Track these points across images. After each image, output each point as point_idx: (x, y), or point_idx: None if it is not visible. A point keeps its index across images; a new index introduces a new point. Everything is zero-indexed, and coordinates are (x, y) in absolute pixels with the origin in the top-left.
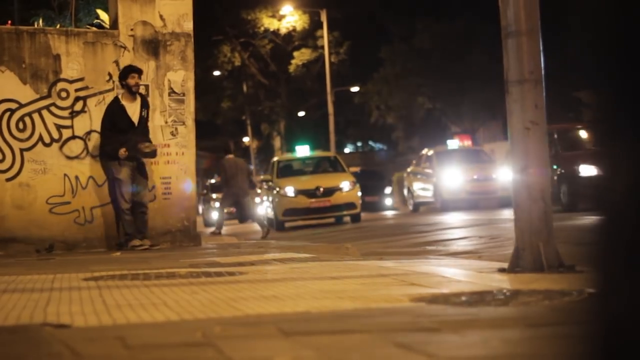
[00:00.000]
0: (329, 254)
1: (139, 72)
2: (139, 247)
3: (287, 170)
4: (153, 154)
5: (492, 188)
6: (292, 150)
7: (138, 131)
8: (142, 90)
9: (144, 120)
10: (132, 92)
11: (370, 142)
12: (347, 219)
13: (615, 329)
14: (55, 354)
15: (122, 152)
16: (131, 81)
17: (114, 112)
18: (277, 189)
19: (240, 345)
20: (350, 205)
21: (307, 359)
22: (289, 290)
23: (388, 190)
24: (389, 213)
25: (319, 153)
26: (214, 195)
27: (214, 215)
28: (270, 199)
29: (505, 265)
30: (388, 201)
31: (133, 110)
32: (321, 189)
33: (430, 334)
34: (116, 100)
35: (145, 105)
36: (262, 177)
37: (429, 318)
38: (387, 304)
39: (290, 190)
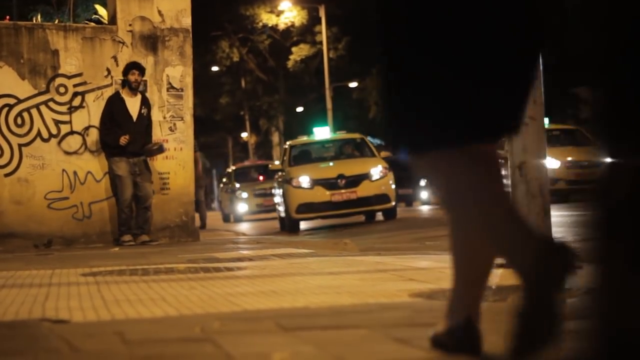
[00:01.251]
0: (327, 249)
1: (140, 69)
2: (128, 242)
3: (303, 156)
4: (160, 149)
5: (593, 176)
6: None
7: (137, 127)
8: (143, 88)
9: (143, 118)
10: (131, 88)
11: (369, 137)
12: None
13: (614, 324)
14: (53, 349)
15: (123, 139)
16: (131, 77)
17: (113, 103)
18: (290, 179)
19: (239, 341)
20: (383, 198)
21: (306, 354)
22: (288, 285)
23: (424, 181)
24: (424, 208)
25: (342, 135)
26: (237, 184)
27: (241, 208)
28: (282, 192)
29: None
30: (424, 194)
31: (132, 105)
32: (344, 178)
33: (429, 329)
34: (117, 93)
35: (145, 103)
36: (271, 166)
37: (428, 313)
38: (385, 300)
39: (304, 181)
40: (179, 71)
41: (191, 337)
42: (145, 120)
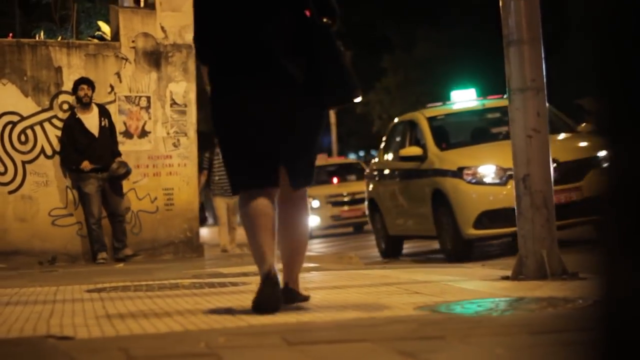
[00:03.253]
0: (331, 263)
1: (88, 83)
2: (103, 260)
3: (454, 135)
4: (126, 174)
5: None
6: None
7: (101, 142)
8: (123, 101)
9: (105, 130)
10: (83, 104)
11: (373, 152)
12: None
13: (619, 336)
14: None
15: (86, 164)
16: (80, 93)
17: (71, 126)
18: (457, 171)
19: (244, 356)
20: None
21: None
22: None
23: None
24: None
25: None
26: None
27: (310, 221)
28: (430, 192)
29: (509, 272)
30: None
31: (91, 122)
32: (559, 165)
33: (435, 342)
34: (72, 114)
35: (104, 114)
36: (404, 151)
37: (433, 326)
38: (390, 313)
39: (490, 172)
40: (182, 87)
41: (196, 353)
42: (107, 132)
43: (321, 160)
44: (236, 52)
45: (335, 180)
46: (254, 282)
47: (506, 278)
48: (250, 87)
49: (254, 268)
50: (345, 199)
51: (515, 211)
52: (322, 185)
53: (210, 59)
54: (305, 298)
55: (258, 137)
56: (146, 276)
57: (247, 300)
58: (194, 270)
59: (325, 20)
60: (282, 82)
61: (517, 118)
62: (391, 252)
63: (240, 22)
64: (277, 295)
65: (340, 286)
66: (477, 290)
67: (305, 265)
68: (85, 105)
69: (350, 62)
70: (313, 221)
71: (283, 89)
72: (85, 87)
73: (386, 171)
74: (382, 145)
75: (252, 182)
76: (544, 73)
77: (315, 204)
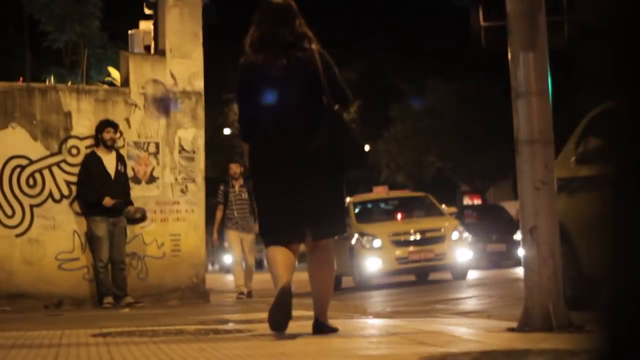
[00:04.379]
0: (337, 311)
1: (115, 126)
2: (109, 305)
3: None
4: (142, 218)
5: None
6: None
7: (116, 185)
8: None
9: (121, 174)
10: (107, 146)
11: None
12: None
13: None
14: None
15: (108, 200)
16: (106, 135)
17: (90, 163)
18: None
19: None
20: None
21: None
22: (298, 348)
23: (518, 235)
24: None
25: None
26: (362, 227)
27: (371, 264)
28: None
29: (515, 324)
30: (521, 252)
31: (109, 163)
32: None
33: None
34: (92, 152)
35: (121, 160)
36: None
37: None
38: None
39: None
40: (191, 133)
41: None
42: (122, 177)
43: (382, 193)
44: (270, 137)
45: (399, 216)
46: (259, 329)
47: (512, 330)
48: (282, 164)
49: (259, 315)
50: (412, 238)
51: (522, 263)
52: (384, 222)
53: (252, 140)
54: (334, 329)
55: (287, 204)
56: (152, 321)
57: (251, 347)
58: (199, 316)
59: (337, 107)
60: (307, 159)
61: (525, 170)
62: (585, 298)
63: (272, 112)
64: (288, 303)
65: (346, 335)
66: (482, 341)
67: (310, 313)
68: (108, 148)
69: (358, 133)
70: (374, 265)
71: (307, 165)
72: (111, 130)
73: (585, 181)
74: (570, 146)
75: (281, 239)
76: (552, 125)
77: (377, 243)
